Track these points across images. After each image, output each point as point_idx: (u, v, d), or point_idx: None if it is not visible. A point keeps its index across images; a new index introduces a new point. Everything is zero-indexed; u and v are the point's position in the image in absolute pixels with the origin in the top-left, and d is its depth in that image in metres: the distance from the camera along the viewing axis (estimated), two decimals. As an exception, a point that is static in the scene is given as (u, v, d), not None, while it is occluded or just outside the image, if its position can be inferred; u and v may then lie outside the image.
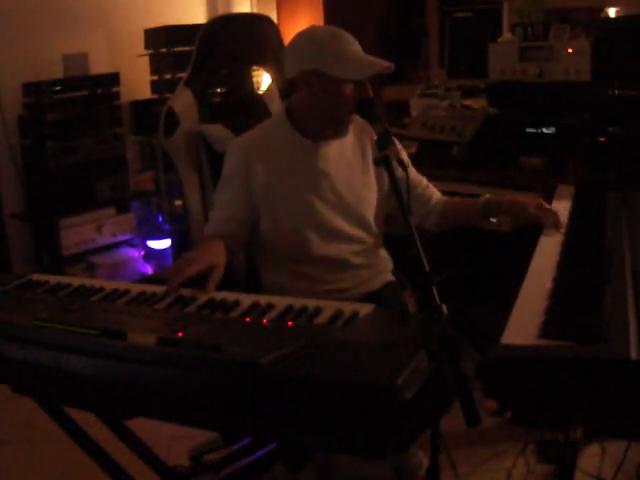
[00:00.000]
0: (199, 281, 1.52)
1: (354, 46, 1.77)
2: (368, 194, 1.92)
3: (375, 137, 1.89)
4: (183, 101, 2.15)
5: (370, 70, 1.75)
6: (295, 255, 1.89)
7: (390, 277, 2.03)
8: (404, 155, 1.97)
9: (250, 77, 2.41)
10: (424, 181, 2.04)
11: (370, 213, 1.93)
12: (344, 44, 1.76)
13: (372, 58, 1.76)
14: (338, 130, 1.86)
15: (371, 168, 1.90)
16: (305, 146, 1.85)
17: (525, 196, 2.47)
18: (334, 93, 1.76)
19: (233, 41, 2.27)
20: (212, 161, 2.18)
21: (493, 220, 1.94)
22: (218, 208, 1.88)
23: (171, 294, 1.50)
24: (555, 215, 1.87)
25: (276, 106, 2.35)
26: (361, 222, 1.92)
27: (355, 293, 1.90)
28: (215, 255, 1.61)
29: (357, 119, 1.88)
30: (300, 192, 1.84)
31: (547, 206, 1.91)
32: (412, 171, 2.00)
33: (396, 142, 1.87)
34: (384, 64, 1.75)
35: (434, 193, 2.04)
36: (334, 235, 1.88)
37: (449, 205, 2.02)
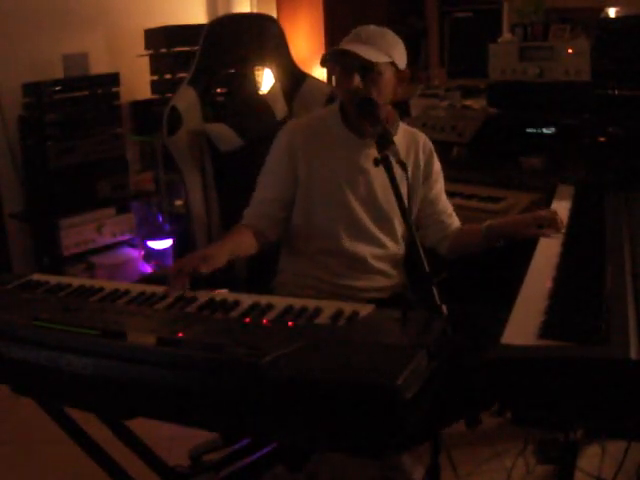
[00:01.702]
0: (200, 281, 1.52)
1: (353, 38, 1.78)
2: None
3: (429, 150, 1.98)
4: (186, 100, 2.15)
5: (330, 53, 1.78)
6: (320, 243, 1.91)
7: (401, 291, 2.02)
8: (441, 181, 2.03)
9: (253, 77, 2.40)
10: (450, 209, 2.04)
11: (398, 220, 1.93)
12: (362, 32, 1.79)
13: (361, 45, 1.76)
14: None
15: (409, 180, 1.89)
16: (351, 141, 1.88)
17: (524, 196, 2.47)
18: (341, 81, 1.81)
19: (237, 41, 2.27)
20: (215, 160, 2.18)
21: (499, 244, 1.94)
22: (261, 189, 1.91)
23: (172, 295, 1.50)
24: (555, 222, 1.87)
25: (279, 105, 2.34)
26: (388, 227, 1.93)
27: (367, 296, 1.89)
28: (213, 249, 1.64)
29: (409, 129, 1.95)
30: (336, 183, 1.87)
31: (544, 214, 1.92)
32: (443, 199, 2.03)
33: (437, 165, 1.98)
34: (345, 48, 1.74)
35: (454, 222, 2.03)
36: (359, 232, 1.90)
37: (458, 233, 2.01)
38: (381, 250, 1.94)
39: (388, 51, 1.78)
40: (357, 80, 1.76)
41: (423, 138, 1.99)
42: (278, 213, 1.90)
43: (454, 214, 2.05)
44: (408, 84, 1.91)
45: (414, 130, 2.01)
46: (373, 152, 1.85)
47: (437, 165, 2.01)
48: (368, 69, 1.76)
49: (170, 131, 2.13)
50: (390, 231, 1.94)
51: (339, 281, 1.90)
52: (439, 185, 2.02)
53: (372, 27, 1.81)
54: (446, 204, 2.03)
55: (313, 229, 1.91)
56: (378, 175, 1.86)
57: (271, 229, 1.89)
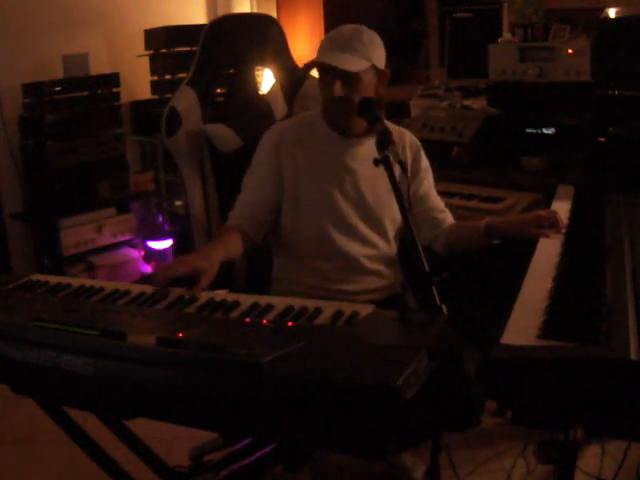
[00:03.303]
0: (191, 283, 1.52)
1: (334, 42, 1.78)
2: (390, 200, 1.89)
3: (415, 147, 1.97)
4: (186, 101, 2.15)
5: (316, 63, 1.79)
6: (310, 247, 1.90)
7: (398, 290, 2.02)
8: (430, 177, 2.02)
9: (253, 77, 2.40)
10: (442, 205, 2.03)
11: (389, 219, 1.93)
12: (329, 39, 1.80)
13: (331, 53, 1.77)
14: (365, 127, 1.87)
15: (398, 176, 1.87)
16: (336, 140, 1.88)
17: (524, 196, 2.47)
18: (323, 87, 1.82)
19: (237, 41, 2.27)
20: (215, 161, 2.18)
21: (496, 242, 1.94)
22: (246, 191, 1.91)
23: (158, 293, 1.50)
24: (555, 221, 1.87)
25: (279, 106, 2.34)
26: (378, 225, 1.92)
27: (363, 299, 1.89)
28: (206, 262, 1.58)
29: (395, 127, 1.94)
30: (323, 184, 1.87)
31: (544, 214, 1.92)
32: (433, 193, 2.03)
33: (425, 162, 1.97)
34: (327, 59, 1.76)
35: (447, 218, 2.02)
36: (350, 232, 1.89)
37: (454, 229, 2.00)
38: (373, 250, 1.93)
39: (366, 54, 1.77)
40: (338, 88, 1.77)
41: (409, 136, 1.99)
42: (262, 216, 1.88)
43: (447, 210, 2.04)
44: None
45: (400, 128, 2.00)
46: (358, 151, 1.87)
47: (425, 162, 2.00)
48: (348, 76, 1.76)
49: (169, 132, 2.13)
50: (380, 230, 1.93)
51: (332, 286, 1.89)
52: (428, 182, 2.01)
53: (347, 30, 1.80)
54: (437, 201, 2.03)
55: (303, 233, 1.90)
56: (365, 174, 1.87)
57: (255, 231, 1.87)
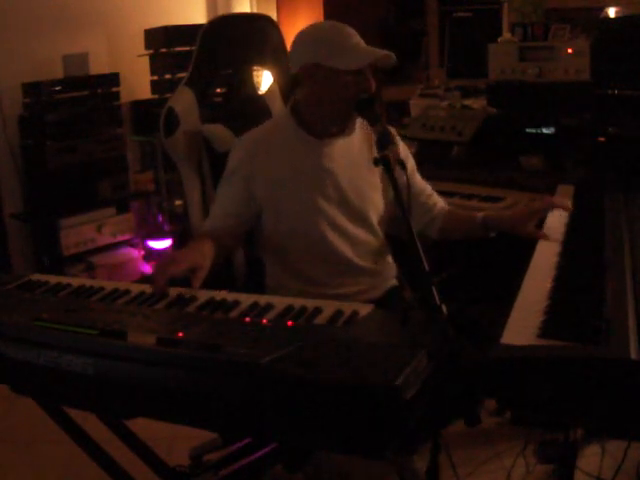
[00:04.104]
0: (185, 281, 1.52)
1: (354, 38, 1.76)
2: (373, 194, 1.90)
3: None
4: (184, 101, 2.15)
5: (367, 58, 1.73)
6: (297, 253, 1.88)
7: (394, 282, 2.02)
8: (411, 161, 1.99)
9: (251, 77, 2.40)
10: (428, 189, 2.02)
11: (374, 213, 1.91)
12: (344, 36, 1.75)
13: (371, 48, 1.75)
14: (344, 126, 1.85)
15: (377, 169, 1.83)
16: (309, 143, 1.84)
17: (524, 196, 2.47)
18: (335, 86, 1.76)
19: (234, 41, 2.27)
20: (213, 161, 2.18)
21: (493, 235, 1.93)
22: (218, 203, 1.89)
23: (157, 294, 1.50)
24: (556, 204, 1.89)
25: (277, 106, 2.34)
26: (364, 222, 1.90)
27: (359, 299, 1.86)
28: (199, 256, 1.60)
29: (364, 121, 1.90)
30: (303, 189, 1.83)
31: (540, 206, 1.92)
32: (417, 178, 2.00)
33: (403, 146, 1.92)
34: (382, 52, 1.74)
35: (438, 201, 2.01)
36: (337, 233, 1.86)
37: (450, 217, 1.99)
38: (363, 247, 1.91)
39: None
40: (374, 83, 1.75)
41: None
42: (234, 228, 1.85)
43: (435, 194, 2.02)
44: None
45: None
46: (332, 151, 1.85)
47: (402, 146, 1.95)
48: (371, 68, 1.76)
49: (167, 132, 2.13)
50: (366, 225, 1.91)
51: (327, 291, 1.86)
52: (409, 166, 1.93)
53: (341, 26, 1.77)
54: (422, 184, 2.01)
55: (291, 241, 1.87)
56: (343, 173, 1.85)
57: (231, 240, 1.85)
